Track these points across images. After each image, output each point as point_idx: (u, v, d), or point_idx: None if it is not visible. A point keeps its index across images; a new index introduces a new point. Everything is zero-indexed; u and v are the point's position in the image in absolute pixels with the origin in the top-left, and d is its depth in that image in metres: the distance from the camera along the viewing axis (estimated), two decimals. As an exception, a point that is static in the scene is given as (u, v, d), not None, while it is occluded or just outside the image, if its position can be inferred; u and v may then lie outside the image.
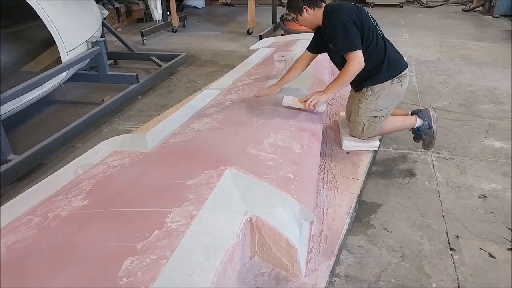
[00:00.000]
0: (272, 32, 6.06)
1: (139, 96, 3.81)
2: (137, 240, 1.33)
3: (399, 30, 6.13)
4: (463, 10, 7.59)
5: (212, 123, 2.24)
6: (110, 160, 1.96)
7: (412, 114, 2.48)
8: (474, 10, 7.49)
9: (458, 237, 1.91)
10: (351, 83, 2.42)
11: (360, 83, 2.31)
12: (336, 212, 1.89)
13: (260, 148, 1.91)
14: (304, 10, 2.22)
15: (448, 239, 1.90)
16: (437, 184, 2.33)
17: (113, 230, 1.40)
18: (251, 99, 2.53)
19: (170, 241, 1.31)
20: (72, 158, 2.37)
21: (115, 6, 6.68)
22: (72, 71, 3.49)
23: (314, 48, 2.45)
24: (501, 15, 6.82)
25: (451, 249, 1.85)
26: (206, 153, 1.89)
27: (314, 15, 2.24)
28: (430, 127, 2.40)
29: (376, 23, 2.27)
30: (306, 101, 2.27)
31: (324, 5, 2.24)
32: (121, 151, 2.04)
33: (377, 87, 2.26)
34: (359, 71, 2.14)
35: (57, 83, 3.29)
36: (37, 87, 2.92)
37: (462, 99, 3.50)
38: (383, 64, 2.22)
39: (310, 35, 4.27)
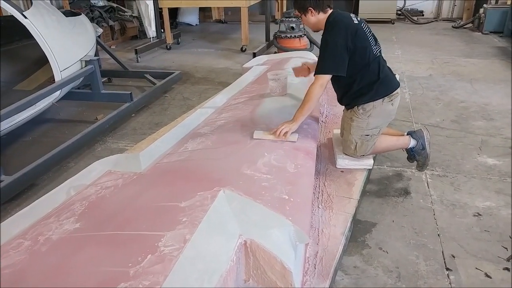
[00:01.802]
0: (266, 49, 6.11)
1: (133, 114, 3.80)
2: (130, 265, 1.30)
3: (391, 47, 6.21)
4: (453, 27, 7.72)
5: (206, 143, 2.24)
6: (103, 180, 1.93)
7: (407, 134, 2.49)
8: (464, 26, 7.63)
9: (454, 257, 1.90)
10: (342, 102, 2.43)
11: (352, 101, 2.32)
12: (331, 232, 1.87)
13: (254, 168, 1.90)
14: (309, 11, 2.24)
15: (444, 259, 1.89)
16: (431, 202, 2.32)
17: (105, 255, 1.38)
18: (245, 118, 2.53)
19: (163, 266, 1.28)
20: (65, 177, 2.35)
21: (109, 24, 6.71)
22: (65, 90, 3.49)
23: None
24: (490, 32, 6.95)
25: (447, 269, 1.83)
26: (200, 173, 1.87)
27: (317, 19, 2.26)
28: (424, 148, 2.39)
29: (375, 40, 2.27)
30: (275, 132, 2.21)
31: (330, 11, 2.25)
32: (115, 171, 2.02)
33: (368, 106, 2.27)
34: (322, 94, 2.22)
35: (50, 102, 3.27)
36: (30, 106, 2.91)
37: (455, 115, 3.53)
38: (376, 83, 2.23)
39: (303, 53, 4.37)
